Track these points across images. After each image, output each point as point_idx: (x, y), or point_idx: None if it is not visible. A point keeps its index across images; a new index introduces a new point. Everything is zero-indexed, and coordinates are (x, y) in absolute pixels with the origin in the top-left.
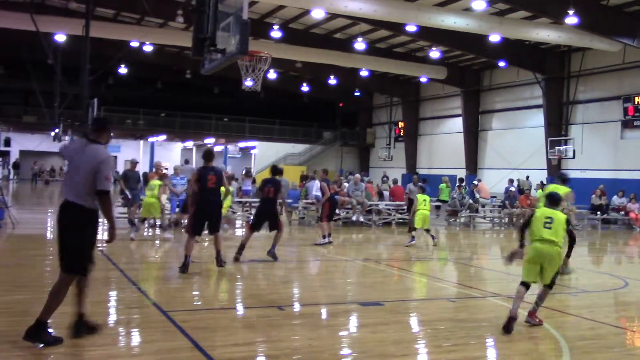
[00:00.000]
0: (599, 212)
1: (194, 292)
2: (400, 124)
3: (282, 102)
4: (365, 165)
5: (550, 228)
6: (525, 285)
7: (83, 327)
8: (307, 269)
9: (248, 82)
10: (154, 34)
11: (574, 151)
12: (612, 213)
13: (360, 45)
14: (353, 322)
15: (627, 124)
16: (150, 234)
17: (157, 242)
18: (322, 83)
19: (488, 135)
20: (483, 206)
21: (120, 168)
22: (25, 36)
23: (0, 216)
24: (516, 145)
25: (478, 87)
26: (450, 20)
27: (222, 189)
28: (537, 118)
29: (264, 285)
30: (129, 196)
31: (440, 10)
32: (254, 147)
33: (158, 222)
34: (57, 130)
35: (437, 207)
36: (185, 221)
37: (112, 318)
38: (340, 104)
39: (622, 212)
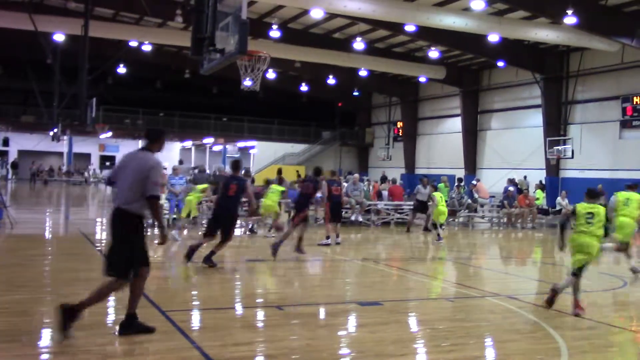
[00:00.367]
0: None
1: (192, 292)
2: (399, 124)
3: (281, 102)
4: (364, 165)
5: (591, 223)
6: (575, 275)
7: (133, 327)
8: (306, 269)
9: (247, 82)
10: (152, 34)
11: (572, 151)
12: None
13: (359, 45)
14: (352, 321)
15: (625, 124)
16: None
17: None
18: (321, 83)
19: (487, 135)
20: (482, 206)
21: None
22: (24, 36)
23: None
24: (515, 145)
25: (477, 87)
26: (449, 20)
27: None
28: (536, 118)
29: (263, 285)
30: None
31: (439, 10)
32: (252, 147)
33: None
34: (55, 130)
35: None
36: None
37: (111, 318)
38: (339, 104)
39: None
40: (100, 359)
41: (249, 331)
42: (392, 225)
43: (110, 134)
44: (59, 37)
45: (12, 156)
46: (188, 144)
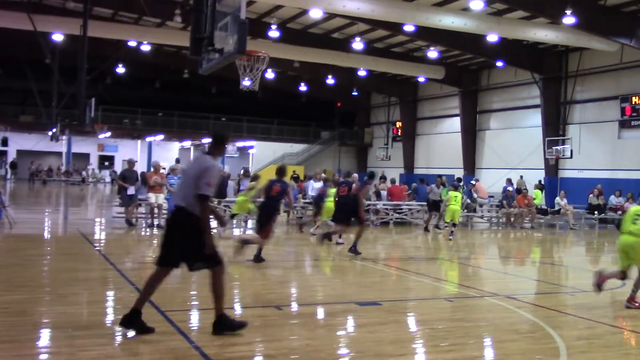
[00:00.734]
0: (596, 212)
1: (191, 292)
2: (398, 124)
3: (280, 102)
4: (363, 165)
5: (636, 223)
6: (623, 272)
7: (224, 325)
8: (305, 269)
9: (246, 82)
10: (151, 34)
11: (571, 151)
12: (609, 213)
13: (358, 45)
14: (351, 321)
15: (624, 124)
16: (148, 233)
17: (155, 241)
18: (320, 83)
19: (486, 135)
20: (481, 206)
21: (118, 168)
22: (23, 36)
23: None
24: (514, 145)
25: (476, 87)
26: (448, 20)
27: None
28: (535, 118)
29: (262, 285)
30: (132, 192)
31: (438, 10)
32: (252, 147)
33: (156, 222)
34: (54, 130)
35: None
36: None
37: (110, 318)
38: (338, 104)
39: (620, 212)
40: (100, 358)
41: (248, 331)
42: (391, 225)
43: (109, 134)
44: (58, 37)
45: (11, 156)
46: (187, 144)
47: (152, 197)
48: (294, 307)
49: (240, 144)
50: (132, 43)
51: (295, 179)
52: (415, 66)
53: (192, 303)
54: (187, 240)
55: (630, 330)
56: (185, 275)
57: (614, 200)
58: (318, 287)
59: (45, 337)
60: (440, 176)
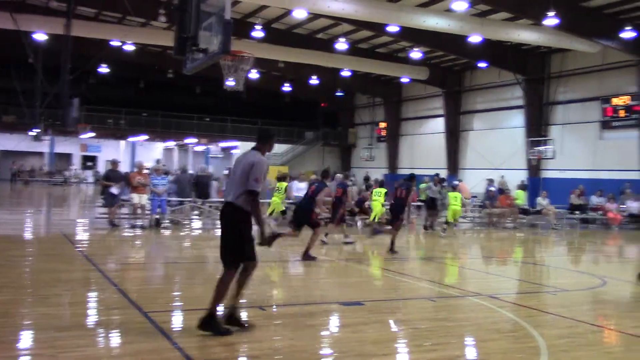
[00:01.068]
0: (577, 212)
1: (174, 293)
2: (382, 124)
3: (265, 102)
4: (347, 165)
5: None
6: None
7: (233, 322)
8: (289, 269)
9: (230, 82)
10: (135, 34)
11: (553, 151)
12: (590, 213)
13: (342, 45)
14: (334, 322)
15: (605, 125)
16: (131, 234)
17: (138, 242)
18: (304, 83)
19: (469, 135)
20: (464, 206)
21: (101, 168)
22: (6, 35)
23: None
24: (497, 145)
25: (459, 87)
26: (432, 21)
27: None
28: (518, 118)
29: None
30: (116, 192)
31: (422, 11)
32: (236, 147)
33: (139, 223)
34: (37, 130)
35: (418, 207)
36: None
37: (92, 319)
38: (323, 104)
39: (601, 212)
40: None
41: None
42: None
43: (92, 134)
44: (41, 37)
45: None
46: (171, 144)
47: (135, 197)
48: (278, 307)
49: (224, 144)
50: (116, 43)
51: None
52: (399, 67)
53: (175, 304)
54: (231, 233)
55: (610, 328)
56: (169, 275)
57: (595, 200)
58: (301, 287)
59: (27, 338)
60: (437, 174)
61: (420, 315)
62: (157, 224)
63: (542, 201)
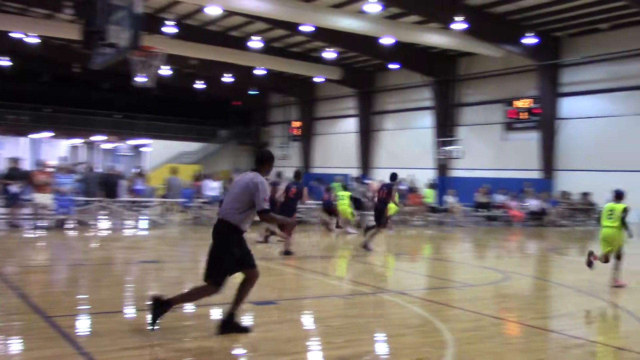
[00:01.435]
0: (482, 209)
1: (80, 296)
2: (296, 123)
3: (177, 99)
4: None
5: (611, 217)
6: (605, 256)
7: (232, 327)
8: (201, 270)
9: (141, 78)
10: (39, 25)
11: (460, 151)
12: (494, 210)
13: (256, 43)
14: (247, 321)
15: (508, 127)
16: (33, 235)
17: (41, 244)
18: (218, 81)
19: (381, 135)
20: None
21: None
22: None
23: None
24: (407, 145)
25: (371, 88)
26: (345, 22)
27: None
28: (427, 119)
29: (156, 287)
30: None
31: (336, 11)
32: (146, 145)
33: (42, 223)
34: None
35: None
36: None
37: None
38: (236, 102)
39: (504, 210)
40: None
41: (141, 335)
42: None
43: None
44: None
45: None
46: (77, 141)
47: (37, 197)
48: (188, 308)
49: (134, 142)
50: (18, 34)
51: (198, 177)
52: (313, 66)
53: (81, 307)
54: (224, 249)
55: (511, 321)
56: (74, 278)
57: (498, 198)
58: None
59: None
60: (361, 176)
61: (332, 313)
62: (62, 224)
63: (449, 199)
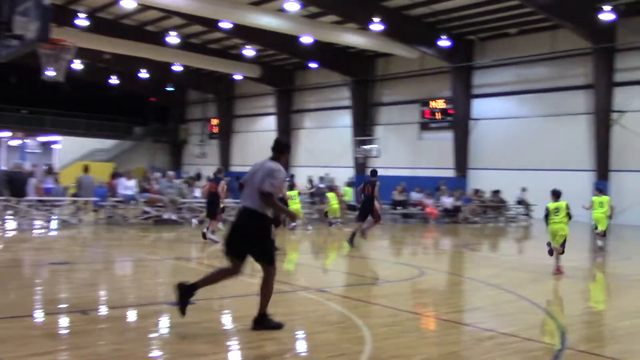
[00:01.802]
0: (399, 207)
1: None
2: (215, 121)
3: (89, 95)
4: (178, 162)
5: (557, 214)
6: (549, 244)
7: (265, 323)
8: (115, 271)
9: (50, 72)
10: None
11: (378, 150)
12: (410, 208)
13: (173, 39)
14: (163, 323)
15: (424, 126)
16: None
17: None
18: (133, 76)
19: (300, 134)
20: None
21: None
22: None
23: None
24: (326, 144)
25: (291, 86)
26: (264, 20)
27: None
28: (346, 118)
29: (66, 289)
30: None
31: (254, 9)
32: (56, 142)
33: None
34: None
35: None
36: None
37: None
38: (152, 99)
39: (419, 207)
40: None
41: (50, 339)
42: (207, 223)
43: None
44: None
45: None
46: None
47: None
48: (102, 311)
49: (43, 138)
50: None
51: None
52: (232, 64)
53: None
54: (251, 237)
55: (427, 315)
56: None
57: (414, 196)
58: (129, 288)
59: None
60: (292, 175)
61: (251, 312)
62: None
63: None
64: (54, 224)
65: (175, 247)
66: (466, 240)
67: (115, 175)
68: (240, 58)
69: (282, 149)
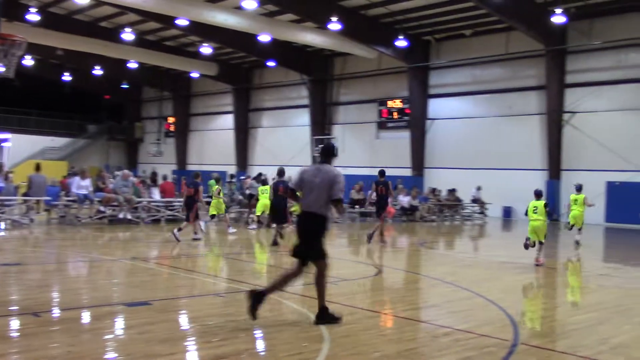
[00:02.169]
0: (357, 206)
1: None
2: (171, 119)
3: (41, 91)
4: (133, 161)
5: (536, 212)
6: (533, 242)
7: (326, 317)
8: (68, 271)
9: None
10: None
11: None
12: (368, 207)
13: (128, 35)
14: (119, 324)
15: (381, 125)
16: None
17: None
18: (87, 73)
19: (258, 132)
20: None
21: None
22: None
23: None
24: (284, 142)
25: (248, 85)
26: (221, 17)
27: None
28: (304, 117)
29: (17, 291)
30: None
31: (211, 6)
32: (6, 140)
33: None
34: None
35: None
36: None
37: None
38: (107, 96)
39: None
40: None
41: (1, 342)
42: (163, 223)
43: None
44: None
45: None
46: None
47: None
48: (55, 312)
49: None
50: None
51: (73, 174)
52: (188, 61)
53: None
54: (310, 237)
55: (384, 313)
56: None
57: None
58: (83, 289)
59: None
60: (260, 173)
61: (208, 312)
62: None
63: None
64: (3, 224)
65: (131, 247)
66: (423, 239)
67: (69, 174)
68: (197, 56)
69: (332, 154)
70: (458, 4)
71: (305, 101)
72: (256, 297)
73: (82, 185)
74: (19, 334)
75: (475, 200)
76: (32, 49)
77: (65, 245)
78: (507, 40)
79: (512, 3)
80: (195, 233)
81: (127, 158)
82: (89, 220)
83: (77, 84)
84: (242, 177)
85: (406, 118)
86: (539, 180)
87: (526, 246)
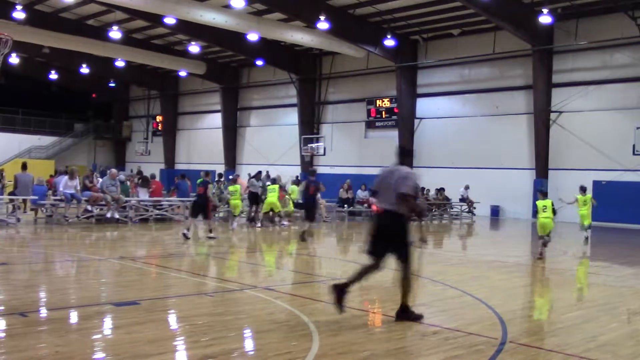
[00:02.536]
0: (345, 205)
1: None
2: (159, 118)
3: (27, 90)
4: (121, 160)
5: (545, 210)
6: (542, 237)
7: (407, 315)
8: (56, 271)
9: None
10: None
11: (324, 148)
12: (357, 206)
13: (115, 34)
14: (107, 324)
15: (370, 125)
16: None
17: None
18: (74, 71)
19: (246, 131)
20: (242, 201)
21: None
22: None
23: None
24: (273, 141)
25: (237, 84)
26: (209, 16)
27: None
28: (292, 116)
29: (4, 291)
30: None
31: (199, 5)
32: None
33: None
34: None
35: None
36: None
37: None
38: (94, 95)
39: (365, 205)
40: None
41: None
42: (151, 222)
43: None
44: None
45: None
46: None
47: None
48: (43, 312)
49: None
50: None
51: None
52: (176, 60)
53: None
54: (393, 236)
55: (373, 312)
56: None
57: (360, 194)
58: (71, 289)
59: None
60: (260, 171)
61: (197, 311)
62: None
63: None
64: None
65: (118, 247)
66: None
67: (57, 173)
68: (185, 54)
69: (408, 155)
70: (446, 4)
71: (294, 100)
72: (340, 290)
73: (69, 185)
74: (5, 334)
75: (464, 200)
76: (18, 47)
77: (53, 244)
78: (494, 40)
79: (500, 3)
80: (211, 232)
81: (114, 157)
82: (77, 219)
83: (63, 83)
84: (231, 177)
85: (394, 117)
86: (527, 179)
87: (545, 243)
